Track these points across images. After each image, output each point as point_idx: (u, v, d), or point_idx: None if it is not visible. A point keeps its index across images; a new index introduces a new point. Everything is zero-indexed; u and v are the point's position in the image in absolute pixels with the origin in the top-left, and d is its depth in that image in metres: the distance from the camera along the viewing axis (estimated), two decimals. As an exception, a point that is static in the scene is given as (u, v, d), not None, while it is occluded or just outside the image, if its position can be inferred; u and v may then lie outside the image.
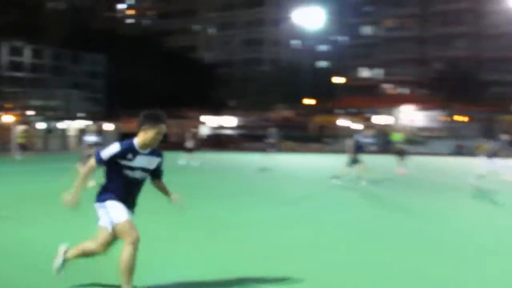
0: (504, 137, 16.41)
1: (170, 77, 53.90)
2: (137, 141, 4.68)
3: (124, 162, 4.62)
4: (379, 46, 67.46)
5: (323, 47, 71.16)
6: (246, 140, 50.66)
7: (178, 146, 30.19)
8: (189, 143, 26.00)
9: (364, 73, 68.77)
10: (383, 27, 69.33)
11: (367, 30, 70.52)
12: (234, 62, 73.27)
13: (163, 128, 4.68)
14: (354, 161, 16.22)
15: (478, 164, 15.51)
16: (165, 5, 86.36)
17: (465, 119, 53.13)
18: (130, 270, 4.52)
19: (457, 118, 53.68)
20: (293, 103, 58.58)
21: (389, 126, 50.18)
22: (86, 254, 4.98)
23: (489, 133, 47.34)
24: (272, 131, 26.00)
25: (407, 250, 7.21)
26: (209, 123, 59.88)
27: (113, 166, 4.65)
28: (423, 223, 9.54)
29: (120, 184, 4.70)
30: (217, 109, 60.24)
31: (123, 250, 4.52)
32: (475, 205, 12.48)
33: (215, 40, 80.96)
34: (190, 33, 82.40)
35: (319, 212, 10.87)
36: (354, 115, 56.01)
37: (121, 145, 4.63)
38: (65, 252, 5.04)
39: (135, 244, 4.52)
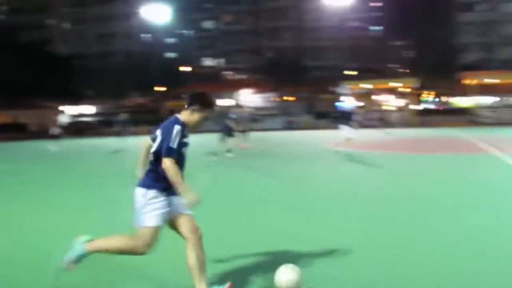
0: (363, 110, 18.61)
1: (27, 69, 49.95)
2: (182, 118, 3.82)
3: (183, 140, 3.74)
4: (219, 38, 68.60)
5: (170, 40, 70.41)
6: (104, 126, 48.86)
7: (39, 135, 28.39)
8: (54, 130, 24.71)
9: (208, 62, 69.58)
10: (222, 22, 70.52)
11: (208, 24, 71.29)
12: (90, 55, 69.78)
13: (211, 113, 3.93)
14: (231, 135, 16.54)
15: (343, 132, 17.09)
16: (18, 1, 79.26)
17: (293, 99, 56.11)
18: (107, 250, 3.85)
19: (286, 98, 56.49)
20: (146, 91, 57.60)
21: (232, 107, 51.39)
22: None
23: (311, 109, 50.68)
24: (122, 116, 25.31)
25: (288, 212, 7.11)
26: (69, 111, 56.81)
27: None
28: (296, 187, 9.71)
29: (178, 165, 3.75)
30: (75, 99, 57.29)
31: (124, 242, 3.77)
32: (331, 168, 13.10)
33: (70, 34, 76.25)
34: (45, 27, 76.65)
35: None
36: (201, 99, 56.54)
37: (179, 124, 3.71)
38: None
39: (139, 253, 3.75)
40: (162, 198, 3.70)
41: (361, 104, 50.78)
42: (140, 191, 3.72)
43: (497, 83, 43.00)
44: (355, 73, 57.92)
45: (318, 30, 64.44)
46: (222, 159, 15.53)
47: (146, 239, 3.66)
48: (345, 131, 17.20)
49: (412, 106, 45.68)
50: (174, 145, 3.60)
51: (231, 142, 16.67)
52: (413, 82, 45.08)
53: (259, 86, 56.44)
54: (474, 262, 4.51)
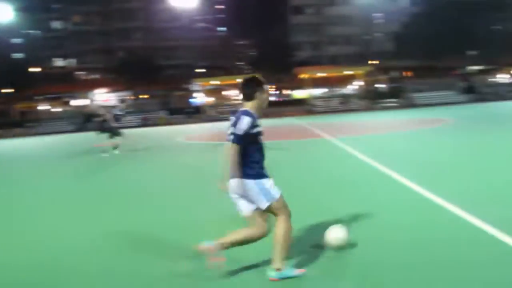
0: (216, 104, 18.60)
1: None
2: (252, 108, 3.82)
3: (256, 130, 3.75)
4: (69, 38, 64.26)
5: (17, 40, 63.98)
6: None
7: None
8: None
9: (59, 62, 64.74)
10: (71, 22, 66.12)
11: (57, 24, 66.27)
12: None
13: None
14: (115, 133, 15.49)
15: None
16: None
17: (147, 96, 54.80)
18: (289, 244, 3.77)
19: (141, 96, 55.00)
20: (-9, 93, 51.82)
21: (88, 106, 48.77)
22: (244, 243, 3.86)
23: (166, 106, 50.06)
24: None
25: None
26: None
27: (248, 138, 3.70)
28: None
29: (260, 153, 3.83)
30: None
31: (280, 226, 3.74)
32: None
33: None
34: None
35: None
36: (54, 100, 52.51)
37: (249, 114, 3.73)
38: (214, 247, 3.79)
39: (290, 218, 3.79)
40: (266, 178, 3.79)
41: (212, 99, 51.73)
42: (249, 183, 3.72)
43: (326, 76, 46.69)
44: (204, 70, 58.53)
45: (168, 31, 63.71)
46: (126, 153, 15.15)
47: (284, 207, 3.78)
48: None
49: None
50: (240, 131, 3.65)
51: (113, 139, 15.78)
52: (257, 78, 46.92)
53: (113, 85, 54.16)
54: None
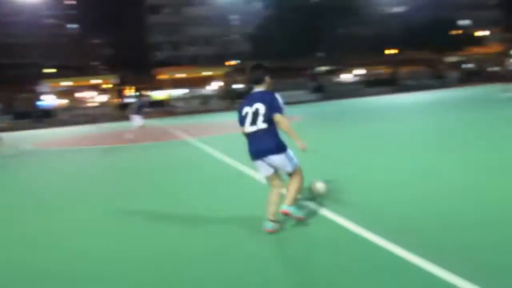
0: (144, 97, 17.84)
1: None
2: (268, 88, 4.64)
3: None
4: None
5: None
6: None
7: None
8: None
9: None
10: None
11: None
12: None
13: None
14: None
15: (132, 122, 16.43)
16: None
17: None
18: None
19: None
20: None
21: None
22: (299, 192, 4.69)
23: (9, 110, 45.72)
24: None
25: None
26: None
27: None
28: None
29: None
30: None
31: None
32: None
33: None
34: None
35: None
36: None
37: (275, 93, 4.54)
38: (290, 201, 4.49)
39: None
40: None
41: (65, 101, 48.70)
42: (280, 156, 4.44)
43: (185, 77, 46.97)
44: (54, 70, 54.69)
45: (10, 26, 58.02)
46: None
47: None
48: (135, 121, 16.68)
49: (115, 101, 46.04)
50: (282, 105, 4.40)
51: None
52: (113, 79, 45.41)
53: None
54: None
